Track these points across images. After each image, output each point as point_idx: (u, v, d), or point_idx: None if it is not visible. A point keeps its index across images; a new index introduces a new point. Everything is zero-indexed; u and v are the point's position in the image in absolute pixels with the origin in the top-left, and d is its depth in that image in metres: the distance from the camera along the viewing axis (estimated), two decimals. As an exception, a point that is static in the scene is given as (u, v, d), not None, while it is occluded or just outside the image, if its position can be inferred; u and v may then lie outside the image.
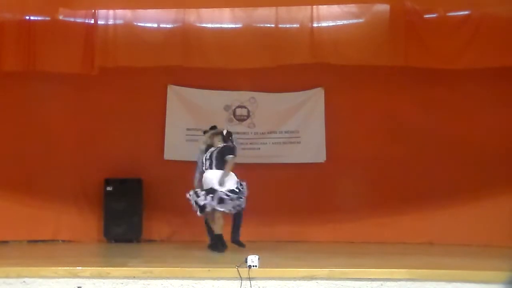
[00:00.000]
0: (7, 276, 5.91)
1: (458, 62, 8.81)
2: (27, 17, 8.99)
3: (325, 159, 9.91)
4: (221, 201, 7.95)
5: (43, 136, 9.59)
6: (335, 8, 9.10)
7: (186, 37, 9.21)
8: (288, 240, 9.44)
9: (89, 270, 5.96)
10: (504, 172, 9.07)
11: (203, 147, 8.54)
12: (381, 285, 5.80)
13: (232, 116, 10.06)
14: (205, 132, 8.75)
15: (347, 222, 9.61)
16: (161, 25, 9.31)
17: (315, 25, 9.11)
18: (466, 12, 8.84)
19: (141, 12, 9.23)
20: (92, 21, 9.15)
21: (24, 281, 5.90)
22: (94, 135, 9.79)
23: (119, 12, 9.21)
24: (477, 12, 8.75)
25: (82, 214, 9.71)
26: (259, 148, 10.01)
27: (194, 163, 8.68)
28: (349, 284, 5.81)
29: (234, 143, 8.56)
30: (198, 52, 9.21)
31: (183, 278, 5.91)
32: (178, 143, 9.85)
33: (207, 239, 8.55)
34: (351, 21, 9.13)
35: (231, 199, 8.01)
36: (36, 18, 9.04)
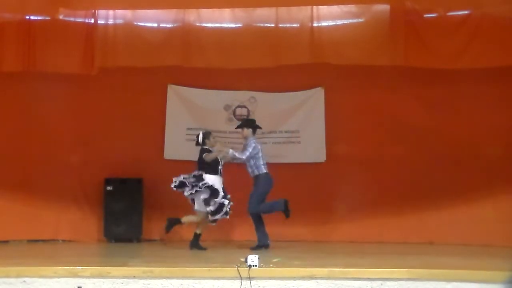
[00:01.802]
0: (7, 276, 5.91)
1: (458, 62, 8.81)
2: (27, 17, 9.00)
3: (325, 159, 9.91)
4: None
5: (43, 136, 9.59)
6: (335, 8, 9.11)
7: (186, 37, 9.21)
8: (288, 240, 9.43)
9: (89, 269, 5.97)
10: (504, 172, 9.07)
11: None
12: (381, 284, 5.80)
13: (232, 116, 10.06)
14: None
15: (347, 222, 9.62)
16: (161, 25, 9.32)
17: (315, 25, 9.11)
18: (466, 12, 8.85)
19: (141, 12, 9.24)
20: (92, 21, 9.15)
21: (24, 281, 5.90)
22: (94, 135, 9.79)
23: (119, 12, 9.22)
24: (477, 12, 8.75)
25: (82, 214, 9.71)
26: (259, 148, 10.01)
27: (194, 163, 8.68)
28: (349, 284, 5.81)
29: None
30: (198, 52, 9.22)
31: (183, 277, 5.91)
32: (178, 143, 9.85)
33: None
34: (351, 21, 9.14)
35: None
36: (36, 18, 9.05)
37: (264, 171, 8.53)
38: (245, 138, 8.71)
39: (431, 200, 9.40)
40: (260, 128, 8.90)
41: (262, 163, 8.54)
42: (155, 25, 9.33)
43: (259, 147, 8.60)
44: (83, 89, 9.71)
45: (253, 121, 8.98)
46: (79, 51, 9.07)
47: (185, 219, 8.51)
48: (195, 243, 8.40)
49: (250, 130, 8.68)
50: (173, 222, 8.52)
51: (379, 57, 8.93)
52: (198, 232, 8.47)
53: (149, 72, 9.52)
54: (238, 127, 8.95)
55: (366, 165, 9.65)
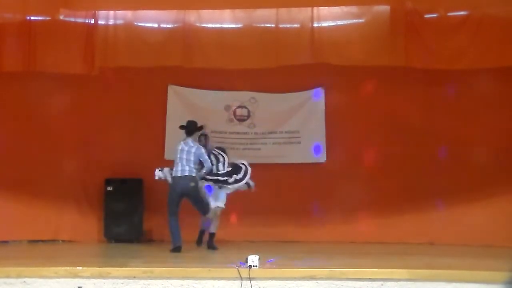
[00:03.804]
0: (7, 276, 5.91)
1: (458, 62, 8.82)
2: (28, 17, 8.99)
3: (325, 159, 9.92)
4: None
5: (43, 136, 9.60)
6: (335, 9, 9.10)
7: (186, 37, 9.22)
8: (288, 240, 9.44)
9: (89, 270, 5.96)
10: (504, 172, 9.08)
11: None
12: (382, 285, 5.80)
13: (232, 116, 10.07)
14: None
15: (347, 222, 9.62)
16: (161, 25, 9.32)
17: (315, 25, 9.10)
18: (466, 12, 8.85)
19: (141, 12, 9.25)
20: (93, 21, 9.16)
21: (24, 281, 5.90)
22: (94, 135, 9.79)
23: (120, 12, 9.22)
24: (477, 12, 8.75)
25: (83, 214, 9.72)
26: (260, 148, 10.03)
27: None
28: (349, 284, 5.81)
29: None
30: (198, 52, 9.22)
31: (184, 278, 5.91)
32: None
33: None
34: (351, 22, 9.13)
35: None
36: (36, 18, 9.05)
37: (173, 174, 8.23)
38: None
39: (431, 200, 9.41)
40: (184, 128, 8.39)
41: (174, 164, 8.24)
42: (156, 25, 9.33)
43: (178, 148, 8.22)
44: (83, 89, 9.72)
45: (190, 123, 8.51)
46: (80, 51, 9.07)
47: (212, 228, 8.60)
48: (211, 243, 8.52)
49: (183, 131, 8.41)
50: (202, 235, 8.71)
51: (380, 58, 8.92)
52: (213, 231, 8.57)
53: (149, 72, 9.53)
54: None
55: (366, 165, 9.67)
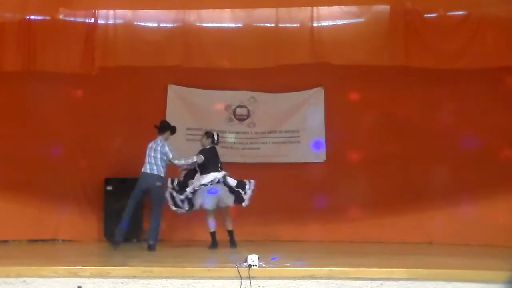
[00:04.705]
0: (7, 276, 5.91)
1: (458, 62, 8.81)
2: (28, 17, 8.98)
3: (325, 159, 9.91)
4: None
5: (43, 135, 9.59)
6: (335, 8, 9.10)
7: (186, 37, 9.22)
8: (288, 240, 9.44)
9: (89, 269, 5.96)
10: (503, 172, 9.07)
11: None
12: (381, 284, 5.80)
13: (232, 116, 10.07)
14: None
15: (347, 222, 9.62)
16: (161, 25, 9.32)
17: (315, 24, 9.10)
18: (466, 12, 8.84)
19: (141, 12, 9.24)
20: (92, 21, 9.16)
21: (24, 281, 5.89)
22: (94, 135, 9.79)
23: (119, 12, 9.22)
24: (477, 12, 8.75)
25: (82, 214, 9.72)
26: (259, 148, 10.03)
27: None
28: (349, 284, 5.81)
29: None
30: (198, 52, 9.22)
31: (183, 277, 5.90)
32: (178, 143, 9.81)
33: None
34: (351, 21, 9.13)
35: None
36: (36, 17, 9.04)
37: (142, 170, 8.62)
38: None
39: (430, 200, 9.41)
40: (156, 127, 8.81)
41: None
42: (155, 25, 9.33)
43: (148, 146, 8.66)
44: (83, 89, 9.72)
45: (162, 122, 8.98)
46: (79, 51, 9.07)
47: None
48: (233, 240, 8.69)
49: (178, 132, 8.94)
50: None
51: (379, 57, 8.92)
52: (230, 228, 8.70)
53: (149, 72, 9.53)
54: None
55: (366, 165, 9.66)
